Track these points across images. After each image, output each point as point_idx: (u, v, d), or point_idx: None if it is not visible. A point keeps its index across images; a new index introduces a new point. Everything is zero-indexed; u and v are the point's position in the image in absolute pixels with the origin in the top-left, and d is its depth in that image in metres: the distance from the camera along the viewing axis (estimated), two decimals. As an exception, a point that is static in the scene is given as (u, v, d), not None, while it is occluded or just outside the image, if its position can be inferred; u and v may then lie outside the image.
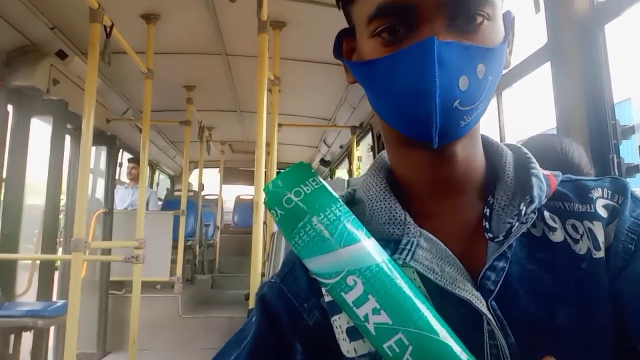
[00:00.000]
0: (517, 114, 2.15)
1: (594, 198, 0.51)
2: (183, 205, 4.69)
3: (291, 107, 4.70)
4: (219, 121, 5.53)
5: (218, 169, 7.14)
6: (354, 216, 0.46)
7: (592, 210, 0.50)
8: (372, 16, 0.47)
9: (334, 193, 0.47)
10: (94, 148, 4.64)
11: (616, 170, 1.51)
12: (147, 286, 4.37)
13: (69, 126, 3.54)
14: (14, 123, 3.13)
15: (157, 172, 7.24)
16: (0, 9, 2.67)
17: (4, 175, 3.09)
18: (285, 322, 0.52)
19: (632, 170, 1.52)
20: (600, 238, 0.48)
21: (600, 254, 0.48)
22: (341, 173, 6.86)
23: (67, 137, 3.66)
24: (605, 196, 0.51)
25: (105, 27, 2.55)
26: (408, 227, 0.50)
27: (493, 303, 0.46)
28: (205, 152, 5.54)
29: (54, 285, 3.67)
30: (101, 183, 4.84)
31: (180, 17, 3.18)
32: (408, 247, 0.49)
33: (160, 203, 6.31)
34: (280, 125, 4.46)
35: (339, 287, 0.42)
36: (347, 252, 0.43)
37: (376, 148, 4.52)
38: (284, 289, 0.53)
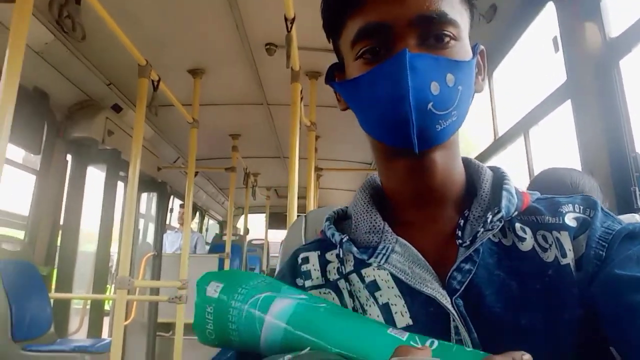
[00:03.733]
0: (545, 151, 2.11)
1: (564, 212, 0.55)
2: (227, 248, 4.80)
3: (332, 153, 4.80)
4: (263, 167, 5.71)
5: (264, 214, 7.28)
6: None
7: (561, 222, 0.54)
8: (354, 40, 0.54)
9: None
10: (145, 194, 4.91)
11: (638, 203, 1.45)
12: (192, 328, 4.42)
13: (121, 174, 3.78)
14: (71, 171, 3.41)
15: (206, 218, 7.48)
16: (64, 68, 2.97)
17: (62, 222, 3.34)
18: None
19: None
20: (567, 246, 0.52)
21: (567, 260, 0.51)
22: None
23: (121, 185, 3.92)
24: (577, 210, 0.55)
25: (153, 81, 2.76)
26: (385, 235, 0.56)
27: (458, 301, 0.49)
28: (251, 197, 5.70)
29: (103, 324, 3.83)
30: (152, 228, 5.07)
31: (224, 71, 3.39)
32: (383, 251, 0.54)
33: (207, 247, 6.48)
34: (319, 169, 4.58)
35: None
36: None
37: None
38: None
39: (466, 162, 0.61)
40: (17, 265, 2.68)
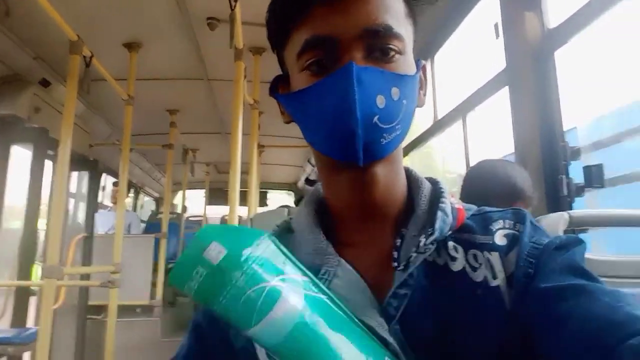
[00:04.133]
0: (482, 137, 2.23)
1: (494, 230, 0.56)
2: (164, 227, 4.65)
3: (276, 129, 4.75)
4: (203, 143, 5.55)
5: (204, 190, 7.12)
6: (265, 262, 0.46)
7: (491, 242, 0.55)
8: (300, 51, 0.53)
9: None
10: (75, 173, 4.62)
11: (565, 190, 1.58)
12: (128, 310, 4.30)
13: (50, 152, 3.53)
14: (-7, 150, 3.13)
15: (141, 195, 7.20)
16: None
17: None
18: (215, 347, 0.57)
19: (579, 190, 1.59)
20: (497, 267, 0.53)
21: (497, 282, 0.52)
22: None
23: (49, 164, 3.66)
24: (507, 226, 0.56)
25: (85, 57, 2.57)
26: (328, 258, 0.55)
27: (396, 327, 0.50)
28: (189, 173, 5.54)
29: (28, 312, 3.61)
30: (83, 207, 4.80)
31: (163, 45, 3.22)
32: (325, 276, 0.53)
33: (143, 226, 6.26)
34: (262, 146, 4.53)
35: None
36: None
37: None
38: (211, 316, 0.58)
39: (407, 173, 0.61)
40: None
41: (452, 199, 0.58)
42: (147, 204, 7.90)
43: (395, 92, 0.51)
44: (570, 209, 1.59)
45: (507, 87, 1.83)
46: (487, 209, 0.60)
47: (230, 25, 2.32)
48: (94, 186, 4.72)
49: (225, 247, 0.44)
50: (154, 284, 4.58)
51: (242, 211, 3.82)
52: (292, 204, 6.20)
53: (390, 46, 0.52)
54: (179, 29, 2.95)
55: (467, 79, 2.41)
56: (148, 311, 4.60)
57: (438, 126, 2.66)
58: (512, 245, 0.54)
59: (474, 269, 0.53)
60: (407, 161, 3.13)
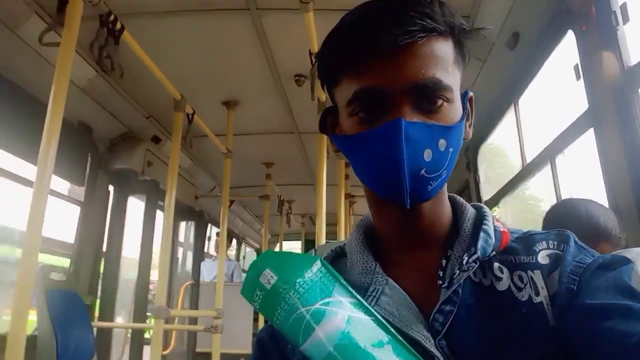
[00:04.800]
0: (573, 179, 2.07)
1: (537, 250, 0.57)
2: (263, 277, 4.80)
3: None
4: (298, 195, 5.76)
5: (300, 241, 7.30)
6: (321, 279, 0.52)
7: (534, 261, 0.56)
8: (350, 100, 0.56)
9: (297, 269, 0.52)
10: (183, 223, 5.05)
11: None
12: (232, 358, 4.44)
13: (160, 203, 3.91)
14: (113, 202, 3.56)
15: (243, 245, 7.57)
16: (106, 102, 3.15)
17: (104, 251, 3.47)
18: (275, 358, 0.61)
19: None
20: (540, 284, 0.54)
21: (540, 298, 0.53)
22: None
23: (160, 214, 4.05)
24: (551, 247, 0.57)
25: (187, 114, 2.88)
26: (376, 276, 0.58)
27: (442, 342, 0.52)
28: (286, 224, 5.74)
29: (143, 353, 3.89)
30: (191, 256, 5.18)
31: (257, 102, 3.50)
32: (374, 294, 0.57)
33: (244, 275, 6.53)
34: (351, 196, 4.58)
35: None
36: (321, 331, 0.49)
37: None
38: (274, 331, 0.62)
39: (453, 200, 0.64)
40: (63, 294, 2.78)
41: (497, 223, 0.60)
42: (249, 254, 8.27)
43: (442, 143, 0.53)
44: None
45: (592, 129, 1.71)
46: (533, 231, 0.61)
47: (311, 79, 2.46)
48: (200, 236, 5.10)
49: (277, 274, 0.51)
50: (254, 334, 4.71)
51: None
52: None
53: (438, 97, 0.54)
54: (271, 86, 3.19)
55: (553, 122, 2.29)
56: (250, 361, 4.69)
57: (527, 171, 2.52)
58: (556, 264, 0.54)
59: (519, 289, 0.54)
60: (500, 208, 2.97)
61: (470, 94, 0.61)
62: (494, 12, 2.35)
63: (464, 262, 0.54)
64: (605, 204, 1.57)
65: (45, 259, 3.00)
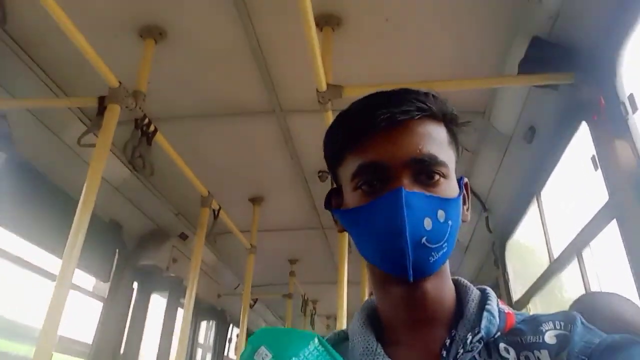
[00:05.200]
0: (602, 273, 1.97)
1: (544, 330, 0.57)
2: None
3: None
4: (322, 294, 5.61)
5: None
6: None
7: (541, 341, 0.55)
8: (354, 174, 0.60)
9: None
10: (204, 323, 4.92)
11: None
12: None
13: (182, 300, 3.86)
14: (136, 299, 3.54)
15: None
16: (138, 201, 3.28)
17: (122, 351, 3.38)
18: None
19: None
20: None
21: None
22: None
23: (182, 312, 3.97)
24: (557, 327, 0.57)
25: (214, 210, 2.95)
26: (377, 357, 0.58)
27: None
28: (310, 326, 5.51)
29: None
30: (209, 359, 4.97)
31: (281, 198, 3.58)
32: None
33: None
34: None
35: None
36: None
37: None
38: None
39: (456, 282, 0.65)
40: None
41: (501, 305, 0.61)
42: (271, 359, 7.87)
43: (440, 214, 0.56)
44: None
45: (614, 220, 1.67)
46: (539, 314, 0.61)
47: (332, 175, 2.52)
48: (221, 337, 4.93)
49: (272, 352, 0.51)
50: None
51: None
52: None
53: (435, 172, 0.58)
54: (295, 182, 3.29)
55: (576, 214, 2.25)
56: None
57: (556, 267, 2.41)
58: (564, 345, 0.54)
59: None
60: (532, 306, 2.80)
61: (466, 179, 0.65)
62: (509, 107, 2.42)
63: (468, 341, 0.55)
64: (635, 295, 1.47)
65: (61, 358, 2.93)
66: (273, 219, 3.82)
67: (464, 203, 0.64)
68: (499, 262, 3.26)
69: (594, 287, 1.94)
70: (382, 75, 2.32)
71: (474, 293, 0.63)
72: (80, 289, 3.04)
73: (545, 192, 2.57)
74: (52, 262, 2.68)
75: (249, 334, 3.97)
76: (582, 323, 0.56)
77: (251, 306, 5.23)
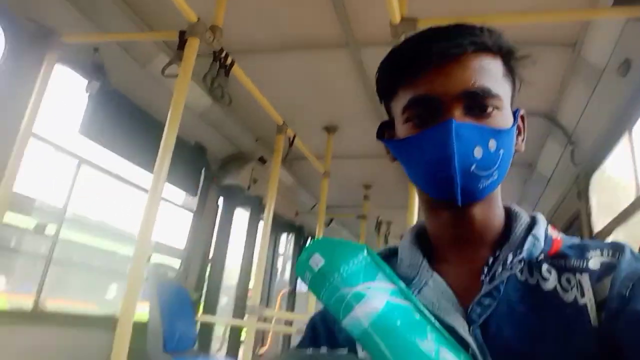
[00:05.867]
0: None
1: (590, 257, 0.57)
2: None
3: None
4: (396, 217, 5.75)
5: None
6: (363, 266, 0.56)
7: (584, 266, 0.56)
8: (406, 107, 0.61)
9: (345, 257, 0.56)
10: (284, 235, 5.34)
11: None
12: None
13: (262, 216, 4.22)
14: (222, 213, 3.93)
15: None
16: (220, 127, 3.53)
17: (211, 256, 3.85)
18: (322, 336, 0.67)
19: None
20: (586, 287, 0.54)
21: (584, 300, 0.54)
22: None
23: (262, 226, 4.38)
24: (605, 255, 0.57)
25: (289, 138, 3.11)
26: (422, 270, 0.62)
27: (477, 331, 0.54)
28: (384, 244, 5.75)
29: (239, 352, 4.22)
30: (289, 266, 5.46)
31: (355, 127, 3.63)
32: (417, 284, 0.60)
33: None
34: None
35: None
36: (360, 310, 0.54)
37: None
38: (326, 314, 0.69)
39: (508, 209, 0.66)
40: (172, 288, 3.16)
41: (551, 231, 0.62)
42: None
43: (492, 143, 0.56)
44: None
45: None
46: (588, 241, 0.61)
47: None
48: (298, 248, 5.34)
49: (324, 258, 0.56)
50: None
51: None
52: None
53: (488, 104, 0.58)
54: (369, 112, 3.31)
55: None
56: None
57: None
58: (608, 271, 0.55)
59: (566, 291, 0.55)
60: (614, 237, 2.71)
61: (522, 111, 0.64)
62: (602, 39, 2.21)
63: (509, 261, 0.56)
64: None
65: (158, 258, 3.42)
66: (347, 146, 3.91)
67: (519, 134, 0.64)
68: (582, 194, 3.14)
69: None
70: (460, 10, 2.19)
71: (524, 219, 0.63)
72: (172, 202, 3.44)
73: (638, 127, 2.38)
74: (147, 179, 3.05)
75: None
76: (631, 252, 0.56)
77: (327, 224, 5.55)
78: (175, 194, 3.51)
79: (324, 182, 3.77)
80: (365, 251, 0.56)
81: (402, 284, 0.55)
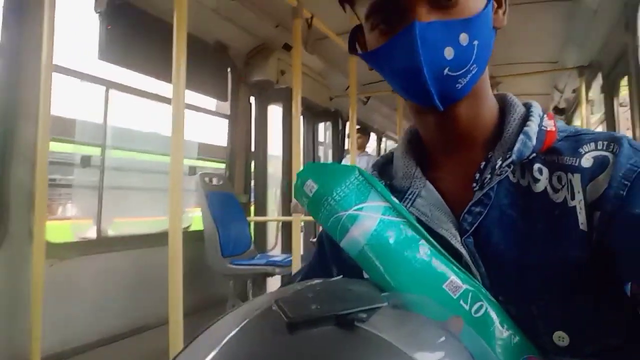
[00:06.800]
0: None
1: (583, 152, 0.54)
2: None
3: (510, 57, 4.34)
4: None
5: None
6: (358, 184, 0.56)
7: (577, 164, 0.54)
8: (368, 14, 0.57)
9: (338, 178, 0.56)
10: (322, 124, 5.29)
11: None
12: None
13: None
14: (256, 112, 3.89)
15: (383, 139, 7.66)
16: (237, 19, 3.31)
17: (253, 157, 3.90)
18: (328, 254, 0.68)
19: None
20: (577, 188, 0.52)
21: (574, 202, 0.52)
22: (578, 122, 5.96)
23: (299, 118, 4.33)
24: (600, 147, 0.54)
25: (306, 19, 2.90)
26: (415, 180, 0.61)
27: (469, 240, 0.55)
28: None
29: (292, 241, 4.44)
30: (331, 154, 5.50)
31: None
32: (410, 196, 0.60)
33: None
34: (493, 77, 4.21)
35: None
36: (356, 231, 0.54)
37: (606, 88, 3.80)
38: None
39: (501, 99, 0.62)
40: (220, 195, 3.28)
41: (547, 121, 0.58)
42: (389, 147, 8.35)
43: (463, 37, 0.51)
44: None
45: None
46: (584, 130, 0.58)
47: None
48: (338, 134, 5.31)
49: (317, 183, 0.56)
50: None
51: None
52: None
53: None
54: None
55: None
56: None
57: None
58: (601, 168, 0.52)
59: (556, 190, 0.53)
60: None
61: None
62: None
63: (497, 165, 0.55)
64: None
65: (204, 164, 3.51)
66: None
67: (499, 6, 0.59)
68: (630, 25, 2.83)
69: None
70: None
71: (518, 111, 0.60)
72: (204, 110, 3.42)
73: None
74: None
75: (367, 127, 4.14)
76: (629, 143, 0.53)
77: (364, 103, 5.40)
78: (207, 102, 3.48)
79: (352, 59, 3.58)
80: (357, 171, 0.56)
81: (395, 200, 0.55)
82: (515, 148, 0.54)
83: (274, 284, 3.64)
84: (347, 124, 5.84)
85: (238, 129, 3.70)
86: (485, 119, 0.60)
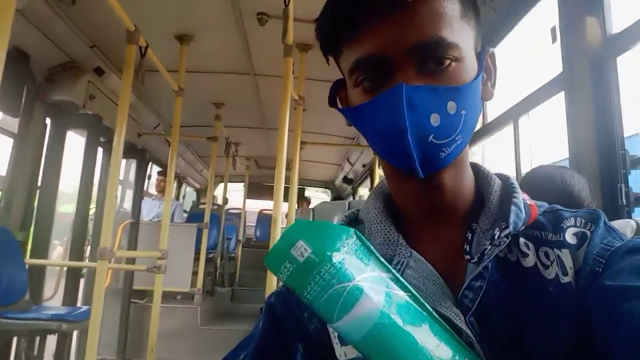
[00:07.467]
0: (534, 141, 2.17)
1: (565, 227, 0.54)
2: (206, 218, 4.78)
3: (316, 126, 4.78)
4: (245, 137, 5.66)
5: (243, 184, 7.25)
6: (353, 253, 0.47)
7: (562, 239, 0.53)
8: (351, 70, 0.53)
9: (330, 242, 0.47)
10: (124, 160, 4.80)
11: (624, 200, 1.51)
12: (168, 296, 4.47)
13: (101, 139, 3.69)
14: (50, 135, 3.29)
15: (183, 185, 7.40)
16: (46, 28, 2.84)
17: (39, 186, 3.25)
18: (289, 327, 0.58)
19: (639, 200, 1.53)
20: (568, 264, 0.51)
21: (568, 279, 0.51)
22: (364, 191, 6.89)
23: (100, 150, 3.82)
24: (578, 225, 0.54)
25: (140, 47, 2.68)
26: (400, 248, 0.56)
27: (471, 319, 0.50)
28: (231, 166, 5.66)
29: (79, 292, 3.78)
30: (130, 194, 4.99)
31: (212, 38, 3.31)
32: (398, 266, 0.54)
33: (185, 215, 6.44)
34: (303, 143, 4.56)
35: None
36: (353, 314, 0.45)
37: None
38: (288, 298, 0.59)
39: (475, 169, 0.61)
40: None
41: (523, 195, 0.58)
42: (188, 194, 8.11)
43: (451, 106, 0.49)
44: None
45: (562, 92, 1.78)
46: (559, 207, 0.58)
47: (283, 21, 2.35)
48: (142, 174, 4.88)
49: (311, 247, 0.45)
50: (194, 273, 4.72)
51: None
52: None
53: (444, 56, 0.50)
54: (230, 22, 3.02)
55: (521, 82, 2.33)
56: (188, 298, 4.75)
57: (487, 130, 2.58)
58: (581, 243, 0.52)
59: (546, 267, 0.52)
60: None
61: (491, 50, 0.57)
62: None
63: (496, 236, 0.51)
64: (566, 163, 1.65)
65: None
66: (201, 59, 3.56)
67: (488, 78, 0.58)
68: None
69: (524, 154, 2.12)
70: None
71: (496, 182, 0.59)
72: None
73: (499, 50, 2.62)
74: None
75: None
76: (605, 223, 0.53)
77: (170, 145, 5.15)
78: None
79: (178, 100, 3.43)
80: (354, 234, 0.48)
81: (394, 271, 0.49)
82: (511, 219, 0.52)
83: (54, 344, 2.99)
84: (150, 164, 5.46)
85: (25, 151, 3.06)
86: (465, 189, 0.58)
